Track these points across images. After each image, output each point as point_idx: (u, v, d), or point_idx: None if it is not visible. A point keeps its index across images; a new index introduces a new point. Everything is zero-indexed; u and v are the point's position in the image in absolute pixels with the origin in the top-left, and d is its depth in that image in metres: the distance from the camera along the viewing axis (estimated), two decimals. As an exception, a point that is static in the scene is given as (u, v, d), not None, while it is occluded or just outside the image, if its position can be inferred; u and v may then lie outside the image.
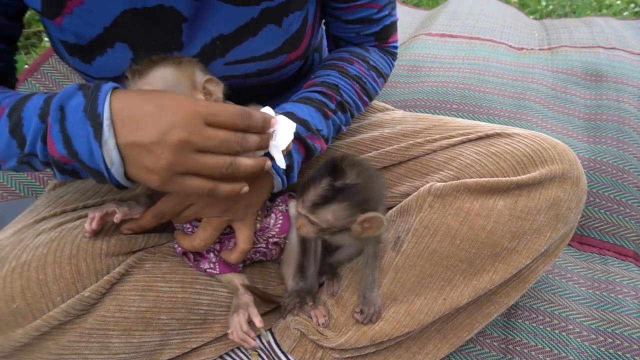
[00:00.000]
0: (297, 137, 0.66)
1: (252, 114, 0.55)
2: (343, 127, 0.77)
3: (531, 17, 2.24)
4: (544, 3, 2.45)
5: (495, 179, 0.69)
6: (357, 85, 0.77)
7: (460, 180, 0.70)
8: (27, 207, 1.05)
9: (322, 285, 0.77)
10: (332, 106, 0.73)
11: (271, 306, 0.75)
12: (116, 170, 0.53)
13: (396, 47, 0.87)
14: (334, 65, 0.78)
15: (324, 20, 0.83)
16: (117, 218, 0.61)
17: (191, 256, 0.68)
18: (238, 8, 0.65)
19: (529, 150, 0.70)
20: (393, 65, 0.87)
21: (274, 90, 0.82)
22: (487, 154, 0.72)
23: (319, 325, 0.71)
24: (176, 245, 0.67)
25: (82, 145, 0.52)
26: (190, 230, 0.67)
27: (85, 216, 0.67)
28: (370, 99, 0.82)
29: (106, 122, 0.51)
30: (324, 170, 0.63)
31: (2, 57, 0.66)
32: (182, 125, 0.50)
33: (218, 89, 0.60)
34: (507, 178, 0.69)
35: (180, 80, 0.57)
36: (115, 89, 0.54)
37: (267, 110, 0.60)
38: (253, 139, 0.55)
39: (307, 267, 0.73)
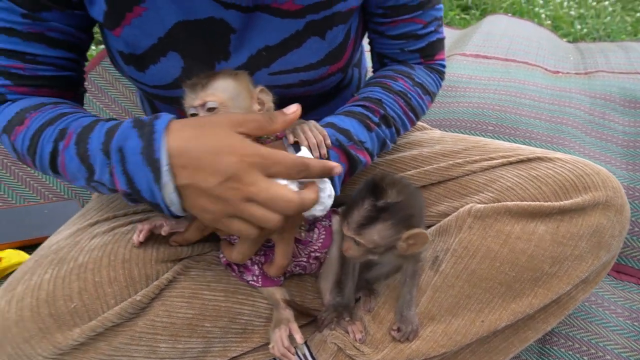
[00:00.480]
0: (339, 146, 0.66)
1: (309, 166, 0.55)
2: (388, 143, 0.76)
3: (564, 39, 2.23)
4: (578, 26, 2.44)
5: (538, 203, 0.69)
6: (402, 101, 0.76)
7: (502, 203, 0.70)
8: (70, 208, 1.10)
9: (358, 300, 0.78)
10: (375, 119, 0.72)
11: (308, 319, 0.76)
12: (175, 208, 0.55)
13: (444, 66, 0.86)
14: (377, 82, 0.78)
15: (367, 39, 0.85)
16: (164, 231, 0.63)
17: (235, 267, 0.69)
18: (284, 20, 0.67)
19: (572, 176, 0.70)
20: (441, 84, 0.86)
21: (314, 101, 0.84)
22: (529, 177, 0.72)
23: (355, 340, 0.71)
24: (221, 256, 0.69)
25: (143, 185, 0.54)
26: (236, 240, 0.68)
27: (136, 221, 0.70)
28: (417, 116, 0.81)
29: (165, 168, 0.52)
30: (365, 191, 0.64)
31: (72, 67, 0.69)
32: (238, 174, 0.51)
33: (269, 99, 0.62)
34: (550, 203, 0.69)
35: (240, 91, 0.60)
36: (168, 126, 0.54)
37: (304, 152, 0.61)
38: (309, 198, 0.55)
39: (345, 283, 0.74)
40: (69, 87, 0.70)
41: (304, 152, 0.61)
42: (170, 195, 0.54)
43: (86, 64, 0.74)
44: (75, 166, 0.58)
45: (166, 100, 0.72)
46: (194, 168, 0.52)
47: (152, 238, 0.67)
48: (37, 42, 0.63)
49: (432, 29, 0.79)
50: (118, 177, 0.56)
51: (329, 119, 0.70)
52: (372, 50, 0.86)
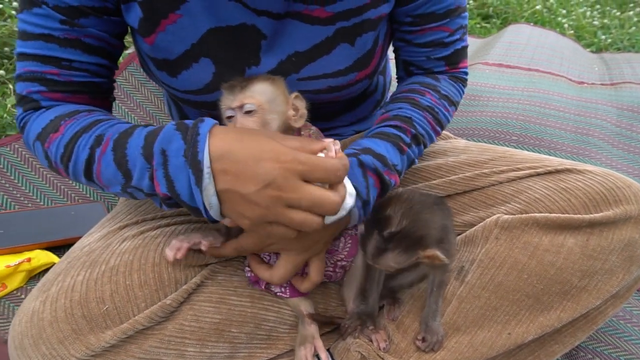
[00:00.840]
0: (375, 172, 0.67)
1: (347, 167, 0.56)
2: (415, 161, 0.76)
3: (587, 50, 2.21)
4: (603, 36, 2.41)
5: (567, 215, 0.68)
6: (430, 116, 0.76)
7: (529, 214, 0.70)
8: (95, 211, 1.12)
9: (381, 308, 0.77)
10: (407, 140, 0.72)
11: (331, 327, 0.76)
12: (214, 212, 0.56)
13: (467, 73, 0.86)
14: (405, 98, 0.78)
15: (392, 47, 0.85)
16: (204, 246, 0.63)
17: (262, 282, 0.69)
18: (315, 27, 0.68)
19: (602, 189, 0.69)
20: (463, 92, 0.86)
21: (341, 107, 0.85)
22: (557, 189, 0.72)
23: (379, 349, 0.71)
24: (247, 270, 0.69)
25: (184, 189, 0.55)
26: (267, 258, 0.69)
27: (164, 225, 0.71)
28: (442, 128, 0.81)
29: (206, 170, 0.53)
30: (371, 221, 0.65)
31: (105, 74, 0.70)
32: (278, 181, 0.52)
33: (303, 105, 0.63)
34: (579, 216, 0.68)
35: (277, 95, 0.60)
36: (211, 130, 0.55)
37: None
38: (343, 195, 0.56)
39: (369, 291, 0.74)
40: (101, 93, 0.71)
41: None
42: (210, 198, 0.54)
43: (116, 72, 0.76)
44: (112, 172, 0.59)
45: (196, 105, 0.73)
46: (234, 173, 0.53)
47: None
48: (73, 48, 0.64)
49: (458, 36, 0.80)
50: (159, 180, 0.55)
51: (366, 142, 0.70)
52: (397, 58, 0.86)
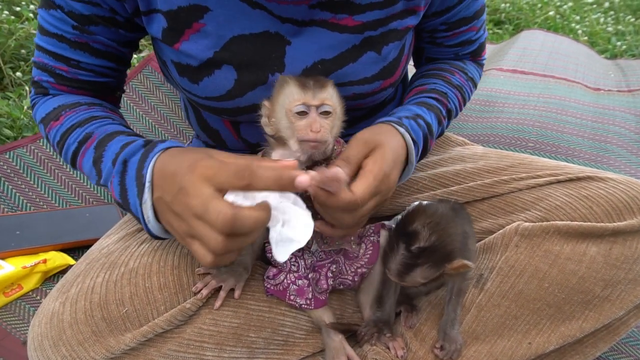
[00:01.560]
0: (424, 138, 0.71)
1: (254, 173, 0.47)
2: (443, 132, 0.82)
3: (602, 56, 2.19)
4: (618, 43, 2.39)
5: (589, 224, 0.67)
6: (459, 94, 0.81)
7: (550, 222, 0.69)
8: (110, 213, 1.13)
9: (398, 315, 0.77)
10: (444, 112, 0.77)
11: (348, 334, 0.75)
12: (152, 226, 0.58)
13: (485, 59, 0.92)
14: (437, 75, 0.82)
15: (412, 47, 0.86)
16: (237, 295, 0.65)
17: (287, 294, 0.68)
18: (342, 35, 0.68)
19: (625, 197, 0.68)
20: (482, 74, 0.92)
21: (361, 114, 0.85)
22: (579, 197, 0.71)
23: (397, 357, 0.70)
24: (267, 285, 0.69)
25: (132, 198, 0.59)
26: (269, 255, 0.68)
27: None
28: (464, 106, 0.86)
29: (147, 185, 0.57)
30: (397, 235, 0.63)
31: (110, 74, 0.74)
32: (186, 187, 0.49)
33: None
34: (603, 224, 0.67)
35: (340, 101, 0.62)
36: (168, 148, 0.58)
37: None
38: (250, 216, 0.47)
39: (386, 297, 0.73)
40: (106, 91, 0.76)
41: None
42: (147, 211, 0.57)
43: (128, 71, 0.78)
44: (89, 167, 0.66)
45: (216, 112, 0.73)
46: (163, 183, 0.55)
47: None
48: (81, 51, 0.68)
49: (482, 32, 0.85)
50: (115, 187, 0.61)
51: (415, 109, 0.74)
52: (419, 56, 0.89)
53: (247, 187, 0.48)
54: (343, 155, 0.61)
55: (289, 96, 0.59)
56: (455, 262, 0.61)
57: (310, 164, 0.62)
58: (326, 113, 0.59)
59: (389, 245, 0.64)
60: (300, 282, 0.68)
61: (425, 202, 0.69)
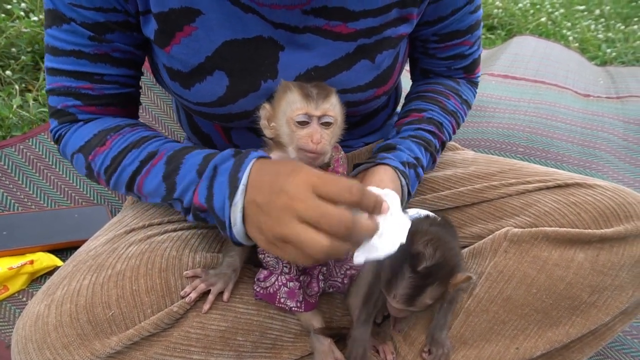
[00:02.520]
0: (417, 184, 0.73)
1: (364, 191, 0.51)
2: (434, 167, 0.82)
3: (592, 62, 2.21)
4: (608, 50, 2.42)
5: (577, 230, 0.67)
6: (454, 121, 0.82)
7: (539, 228, 0.69)
8: (99, 214, 1.12)
9: (387, 317, 0.76)
10: (438, 147, 0.79)
11: (336, 337, 0.75)
12: (237, 230, 0.57)
13: (479, 77, 0.91)
14: (433, 99, 0.82)
15: (408, 57, 0.86)
16: (226, 298, 0.65)
17: (277, 297, 0.67)
18: (336, 43, 0.68)
19: (613, 204, 0.69)
20: (476, 95, 0.91)
21: (355, 121, 0.85)
22: (567, 203, 0.71)
23: (386, 361, 0.70)
24: (256, 288, 0.68)
25: (219, 202, 0.58)
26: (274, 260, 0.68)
27: (170, 230, 0.70)
28: (458, 129, 0.86)
29: (241, 187, 0.56)
30: (401, 257, 0.61)
31: (132, 84, 0.72)
32: (290, 190, 0.51)
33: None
34: (590, 230, 0.67)
35: (341, 105, 0.63)
36: (260, 158, 0.58)
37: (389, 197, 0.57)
38: (363, 225, 0.50)
39: (375, 301, 0.73)
40: (130, 102, 0.74)
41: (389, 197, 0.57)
42: (236, 214, 0.56)
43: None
44: (155, 184, 0.64)
45: (208, 117, 0.73)
46: (259, 185, 0.55)
47: (188, 247, 0.67)
48: (103, 63, 0.67)
49: (476, 47, 0.84)
50: (201, 190, 0.59)
51: (416, 150, 0.75)
52: (414, 66, 0.89)
53: (355, 204, 0.51)
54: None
55: (292, 104, 0.59)
56: (458, 276, 0.62)
57: None
58: (327, 124, 0.59)
59: (392, 271, 0.62)
60: (291, 284, 0.67)
61: (412, 220, 0.65)
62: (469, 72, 0.87)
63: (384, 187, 0.65)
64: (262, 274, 0.68)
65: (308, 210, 0.49)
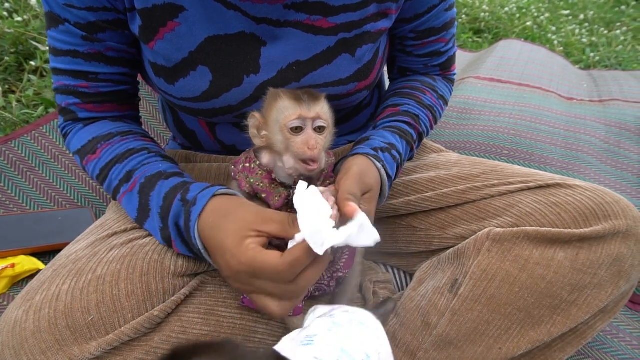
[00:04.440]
0: (396, 169, 0.74)
1: (297, 265, 0.53)
2: (412, 157, 0.83)
3: (576, 66, 2.24)
4: (591, 54, 2.46)
5: (557, 229, 0.68)
6: (430, 115, 0.83)
7: (521, 228, 0.70)
8: (83, 216, 1.10)
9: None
10: (415, 137, 0.79)
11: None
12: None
13: (455, 75, 0.93)
14: (409, 94, 0.83)
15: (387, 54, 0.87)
16: None
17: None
18: (317, 37, 0.69)
19: (592, 204, 0.70)
20: (452, 91, 0.93)
21: (337, 118, 0.85)
22: (548, 203, 0.72)
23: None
24: (242, 296, 0.68)
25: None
26: None
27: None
28: (435, 125, 0.88)
29: (203, 251, 0.61)
30: None
31: (127, 81, 0.74)
32: (232, 277, 0.57)
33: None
34: (570, 230, 0.68)
35: (330, 110, 0.63)
36: (203, 210, 0.60)
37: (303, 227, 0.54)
38: (295, 259, 0.53)
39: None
40: (127, 99, 0.76)
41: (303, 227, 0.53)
42: (213, 265, 0.62)
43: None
44: (133, 208, 0.68)
45: (192, 113, 0.73)
46: (214, 254, 0.60)
47: (170, 251, 0.67)
48: (97, 62, 0.68)
49: (451, 45, 0.86)
50: (179, 247, 0.64)
51: (390, 137, 0.75)
52: (392, 64, 0.90)
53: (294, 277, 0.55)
54: (351, 193, 0.60)
55: (284, 111, 0.59)
56: None
57: (305, 176, 0.63)
58: (320, 129, 0.60)
59: None
60: None
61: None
62: (445, 69, 0.89)
63: (353, 173, 0.64)
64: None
65: (261, 291, 0.55)
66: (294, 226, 0.54)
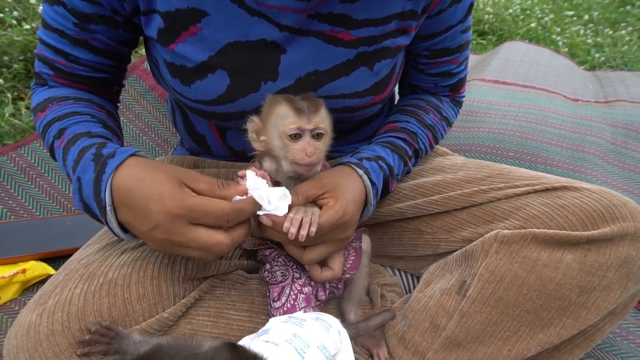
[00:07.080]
0: (384, 179, 0.73)
1: (242, 210, 0.57)
2: (410, 171, 0.83)
3: (581, 67, 2.24)
4: (597, 55, 2.45)
5: (565, 232, 0.68)
6: (430, 134, 0.83)
7: (528, 230, 0.70)
8: (92, 222, 1.11)
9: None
10: (410, 153, 0.79)
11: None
12: (124, 237, 0.62)
13: (464, 97, 0.93)
14: (412, 112, 0.84)
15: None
16: None
17: (297, 308, 0.67)
18: (338, 48, 0.69)
19: (599, 206, 0.70)
20: (458, 113, 0.94)
21: (348, 128, 0.87)
22: (555, 206, 0.72)
23: (380, 365, 0.71)
24: (272, 311, 0.68)
25: (96, 213, 0.61)
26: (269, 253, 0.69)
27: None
28: (436, 144, 0.88)
29: (109, 208, 0.58)
30: None
31: (107, 70, 0.75)
32: (164, 225, 0.55)
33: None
34: (577, 232, 0.68)
35: (329, 117, 0.64)
36: (122, 163, 0.59)
37: (251, 179, 0.60)
38: (239, 234, 0.58)
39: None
40: (103, 86, 0.77)
41: (251, 179, 0.60)
42: (115, 228, 0.59)
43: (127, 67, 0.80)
44: (61, 164, 0.67)
45: (205, 115, 0.74)
46: (130, 209, 0.57)
47: (179, 257, 0.67)
48: (81, 48, 0.70)
49: (463, 67, 0.87)
50: (77, 203, 0.62)
51: (379, 150, 0.76)
52: (403, 81, 0.91)
53: (234, 223, 0.57)
54: (297, 189, 0.63)
55: (284, 119, 0.60)
56: None
57: (298, 177, 0.65)
58: (319, 135, 0.61)
59: None
60: (306, 289, 0.69)
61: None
62: (454, 91, 0.90)
63: (334, 180, 0.67)
64: (275, 292, 0.69)
65: (189, 243, 0.56)
66: (223, 189, 0.58)
